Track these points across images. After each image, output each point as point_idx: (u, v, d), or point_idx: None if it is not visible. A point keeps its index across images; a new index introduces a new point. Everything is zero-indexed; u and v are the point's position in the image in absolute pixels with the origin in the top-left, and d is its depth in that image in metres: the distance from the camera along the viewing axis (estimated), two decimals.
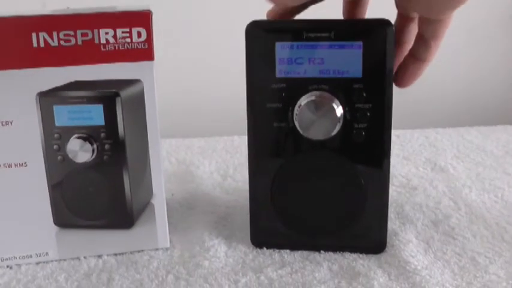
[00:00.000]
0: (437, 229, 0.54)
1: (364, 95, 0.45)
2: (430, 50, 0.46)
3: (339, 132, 0.46)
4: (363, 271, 0.47)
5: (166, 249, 0.51)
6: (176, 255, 0.50)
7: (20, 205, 0.48)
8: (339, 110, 0.45)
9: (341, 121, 0.45)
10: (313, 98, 0.45)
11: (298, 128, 0.46)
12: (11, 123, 0.46)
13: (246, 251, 0.51)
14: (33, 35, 0.45)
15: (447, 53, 1.01)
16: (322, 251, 0.50)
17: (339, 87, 0.45)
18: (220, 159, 0.75)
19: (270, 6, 0.47)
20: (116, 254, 0.50)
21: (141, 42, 0.46)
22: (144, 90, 0.47)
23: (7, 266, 0.49)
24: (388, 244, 0.50)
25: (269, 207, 0.49)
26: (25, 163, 0.47)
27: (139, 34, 0.46)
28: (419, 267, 0.47)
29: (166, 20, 0.96)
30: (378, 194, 0.48)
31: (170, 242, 0.51)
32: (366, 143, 0.46)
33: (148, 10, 0.46)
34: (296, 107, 0.46)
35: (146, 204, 0.50)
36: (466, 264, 0.48)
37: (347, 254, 0.50)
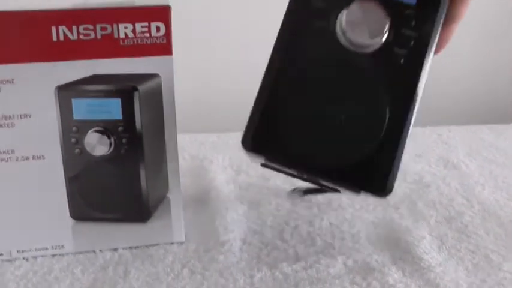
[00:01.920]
0: (451, 226, 0.54)
1: (413, 23, 0.43)
2: (458, 8, 0.45)
3: (376, 51, 0.42)
4: (377, 267, 0.47)
5: (181, 243, 0.51)
6: (191, 249, 0.50)
7: (36, 197, 0.48)
8: (387, 24, 0.42)
9: (385, 35, 0.42)
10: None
11: (343, 27, 0.42)
12: (30, 116, 0.46)
13: (260, 246, 0.51)
14: (53, 28, 0.45)
15: (460, 50, 1.01)
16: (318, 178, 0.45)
17: (390, 7, 0.42)
18: (234, 154, 0.75)
19: None
20: (131, 248, 0.51)
21: (160, 36, 0.47)
22: (162, 85, 0.47)
23: (23, 258, 0.49)
24: (401, 240, 0.50)
25: (277, 108, 0.42)
26: (43, 156, 0.47)
27: (158, 29, 0.46)
28: (433, 264, 0.47)
29: (183, 14, 0.96)
30: (396, 130, 0.42)
31: (185, 236, 0.52)
32: (399, 71, 0.43)
33: (168, 5, 0.46)
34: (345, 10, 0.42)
35: (162, 198, 0.50)
36: (480, 262, 0.48)
37: (362, 248, 0.50)
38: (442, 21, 0.43)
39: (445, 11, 0.43)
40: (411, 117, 0.42)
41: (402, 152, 0.42)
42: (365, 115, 0.42)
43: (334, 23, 0.42)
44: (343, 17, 0.41)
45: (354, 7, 0.41)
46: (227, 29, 0.98)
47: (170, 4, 0.47)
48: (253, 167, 0.70)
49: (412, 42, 0.42)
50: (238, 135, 0.84)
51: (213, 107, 0.98)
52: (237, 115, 0.95)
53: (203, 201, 0.60)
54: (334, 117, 0.42)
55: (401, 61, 0.42)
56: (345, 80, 0.42)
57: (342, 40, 0.42)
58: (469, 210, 0.57)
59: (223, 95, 0.98)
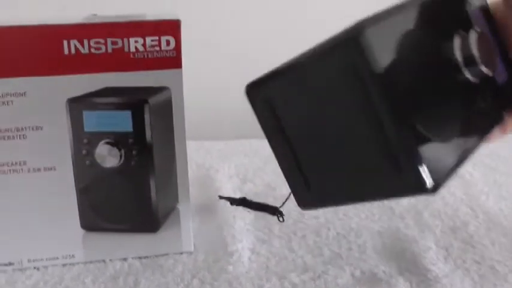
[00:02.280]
0: (456, 236, 0.55)
1: None
2: None
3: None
4: (385, 278, 0.48)
5: (191, 253, 0.52)
6: (200, 259, 0.51)
7: (47, 208, 0.49)
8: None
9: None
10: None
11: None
12: (42, 128, 0.47)
13: (269, 256, 0.51)
14: (65, 42, 0.46)
15: None
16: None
17: None
18: (240, 162, 0.76)
19: None
20: (140, 258, 0.51)
21: (170, 50, 0.47)
22: (172, 98, 0.48)
23: (34, 268, 0.50)
24: (408, 250, 0.51)
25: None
26: (54, 167, 0.48)
27: (168, 42, 0.47)
28: (440, 275, 0.48)
29: (189, 24, 0.97)
30: None
31: (194, 246, 0.52)
32: None
33: (177, 19, 0.47)
34: None
35: (172, 209, 0.51)
36: (485, 273, 0.49)
37: (369, 259, 0.50)
38: None
39: None
40: None
41: None
42: None
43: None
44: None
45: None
46: (235, 36, 0.98)
47: (180, 17, 0.47)
48: (259, 175, 0.71)
49: None
50: (245, 143, 0.85)
51: (220, 114, 0.99)
52: (244, 122, 0.96)
53: (210, 210, 0.61)
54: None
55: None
56: None
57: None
58: (474, 220, 0.58)
59: (231, 102, 0.99)
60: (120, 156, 0.48)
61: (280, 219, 0.57)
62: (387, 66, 0.34)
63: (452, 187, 0.67)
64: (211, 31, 0.99)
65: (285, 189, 0.64)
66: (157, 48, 0.47)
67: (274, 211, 0.57)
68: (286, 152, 0.40)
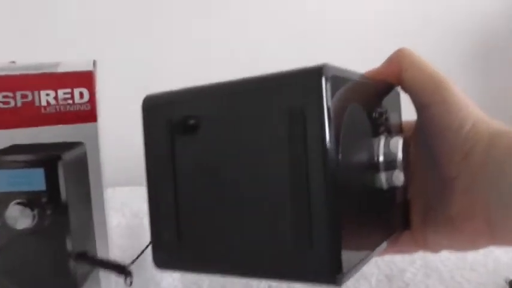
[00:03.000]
0: (392, 285, 0.53)
1: None
2: None
3: None
4: None
5: None
6: None
7: None
8: None
9: None
10: None
11: None
12: None
13: None
14: None
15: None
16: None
17: None
18: None
19: None
20: None
21: (84, 103, 0.45)
22: (88, 153, 0.45)
23: None
24: None
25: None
26: None
27: (81, 95, 0.45)
28: None
29: (140, 60, 0.95)
30: None
31: None
32: None
33: (91, 70, 0.45)
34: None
35: (91, 270, 0.48)
36: None
37: None
38: None
39: None
40: None
41: None
42: None
43: None
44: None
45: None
46: (171, 80, 0.97)
47: (94, 66, 0.45)
48: None
49: None
50: None
51: None
52: None
53: (139, 265, 0.58)
54: None
55: None
56: None
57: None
58: (411, 267, 0.56)
59: None
60: (33, 217, 0.45)
61: (128, 281, 0.46)
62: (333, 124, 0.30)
63: None
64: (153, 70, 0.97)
65: None
66: (70, 101, 0.45)
67: (121, 271, 0.47)
68: (167, 186, 0.35)
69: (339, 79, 0.31)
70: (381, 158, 0.36)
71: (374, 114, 0.37)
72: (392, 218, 0.41)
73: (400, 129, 0.44)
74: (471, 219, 0.39)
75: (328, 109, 0.30)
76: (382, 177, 0.36)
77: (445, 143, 0.40)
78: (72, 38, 0.96)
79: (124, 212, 0.73)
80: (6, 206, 0.45)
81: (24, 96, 0.44)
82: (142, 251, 0.46)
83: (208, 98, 0.34)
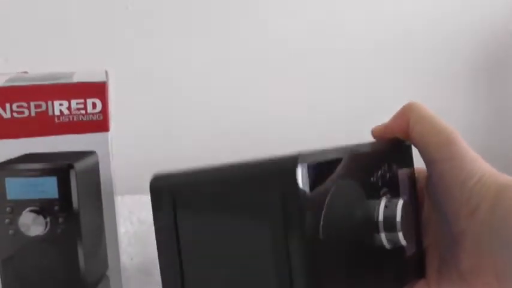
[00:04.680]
0: None
1: None
2: None
3: None
4: None
5: None
6: None
7: None
8: None
9: None
10: None
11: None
12: None
13: None
14: None
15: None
16: None
17: None
18: None
19: None
20: None
21: (96, 113, 0.46)
22: (100, 162, 0.46)
23: None
24: None
25: None
26: None
27: (94, 105, 0.46)
28: None
29: (136, 74, 0.96)
30: None
31: None
32: None
33: (104, 81, 0.46)
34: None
35: (101, 277, 0.49)
36: None
37: None
38: None
39: None
40: None
41: None
42: None
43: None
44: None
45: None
46: (177, 88, 0.98)
47: (106, 77, 0.46)
48: None
49: None
50: None
51: (163, 166, 0.97)
52: None
53: (148, 272, 0.59)
54: None
55: None
56: None
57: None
58: None
59: (175, 155, 0.97)
60: (46, 224, 0.46)
61: None
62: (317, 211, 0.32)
63: None
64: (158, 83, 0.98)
65: None
66: (83, 111, 0.46)
67: None
68: (173, 260, 0.38)
69: (318, 165, 0.33)
70: (381, 220, 0.37)
71: (372, 178, 0.39)
72: (405, 269, 0.42)
73: (411, 182, 0.44)
74: (481, 275, 0.39)
75: (305, 197, 0.31)
76: (383, 238, 0.37)
77: (452, 198, 0.41)
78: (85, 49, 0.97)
79: (132, 220, 0.74)
80: (19, 213, 0.46)
81: (38, 106, 0.45)
82: None
83: (205, 183, 0.37)
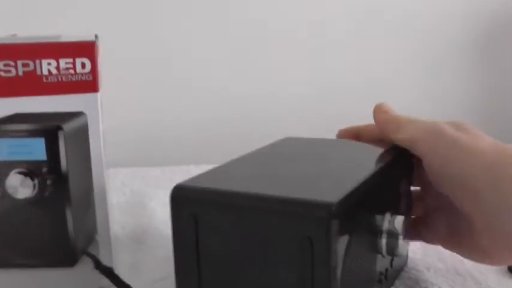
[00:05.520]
0: None
1: None
2: None
3: None
4: None
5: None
6: None
7: None
8: None
9: None
10: None
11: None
12: None
13: None
14: None
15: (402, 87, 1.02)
16: None
17: None
18: None
19: None
20: None
21: (86, 73, 0.45)
22: (88, 123, 0.45)
23: None
24: None
25: None
26: None
27: (83, 65, 0.45)
28: None
29: (127, 46, 0.95)
30: None
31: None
32: None
33: (93, 40, 0.45)
34: None
35: (90, 241, 0.48)
36: None
37: None
38: None
39: None
40: None
41: None
42: None
43: None
44: None
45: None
46: (169, 58, 0.97)
47: (102, 38, 0.45)
48: None
49: None
50: (183, 169, 0.82)
51: (157, 140, 0.96)
52: (181, 148, 0.94)
53: (139, 240, 0.58)
54: None
55: None
56: None
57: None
58: (411, 245, 0.56)
59: (168, 128, 0.96)
60: (34, 187, 0.45)
61: None
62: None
63: None
64: (152, 59, 0.97)
65: None
66: (71, 71, 0.45)
67: None
68: (192, 274, 0.38)
69: (345, 213, 0.34)
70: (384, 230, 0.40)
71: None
72: None
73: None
74: (497, 250, 0.41)
75: (335, 241, 0.33)
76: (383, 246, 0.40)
77: (451, 186, 0.42)
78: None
79: (124, 191, 0.73)
80: (6, 174, 0.45)
81: (25, 65, 0.44)
82: None
83: (231, 208, 0.36)
